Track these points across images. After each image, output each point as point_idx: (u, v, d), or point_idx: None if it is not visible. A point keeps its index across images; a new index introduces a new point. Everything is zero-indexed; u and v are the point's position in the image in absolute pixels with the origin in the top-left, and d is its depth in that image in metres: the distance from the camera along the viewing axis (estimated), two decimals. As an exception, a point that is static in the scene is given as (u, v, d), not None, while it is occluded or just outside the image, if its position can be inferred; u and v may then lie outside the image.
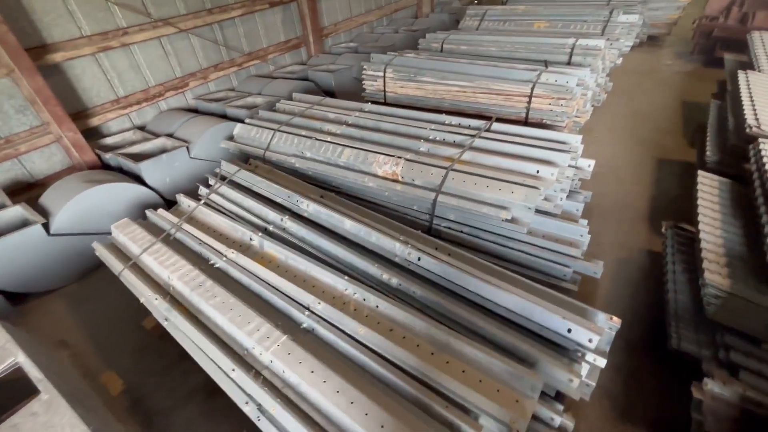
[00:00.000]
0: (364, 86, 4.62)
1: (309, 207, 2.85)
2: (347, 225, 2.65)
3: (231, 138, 4.10)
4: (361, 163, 3.23)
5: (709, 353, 1.93)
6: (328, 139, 3.50)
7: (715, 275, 1.90)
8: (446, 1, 10.07)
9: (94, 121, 4.34)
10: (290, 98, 4.58)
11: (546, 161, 2.87)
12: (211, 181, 3.43)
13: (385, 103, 4.54)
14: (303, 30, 6.58)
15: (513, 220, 2.57)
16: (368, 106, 3.98)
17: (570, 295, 2.48)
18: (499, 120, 3.86)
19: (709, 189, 2.51)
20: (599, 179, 3.93)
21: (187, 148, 4.14)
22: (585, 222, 2.73)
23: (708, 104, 4.75)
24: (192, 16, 5.02)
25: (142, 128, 4.78)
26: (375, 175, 3.12)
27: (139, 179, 3.86)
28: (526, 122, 3.66)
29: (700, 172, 2.56)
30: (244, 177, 3.28)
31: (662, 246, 2.78)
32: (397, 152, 3.14)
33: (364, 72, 4.51)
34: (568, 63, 4.35)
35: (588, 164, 3.05)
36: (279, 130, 3.81)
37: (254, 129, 3.96)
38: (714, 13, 6.49)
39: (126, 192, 3.63)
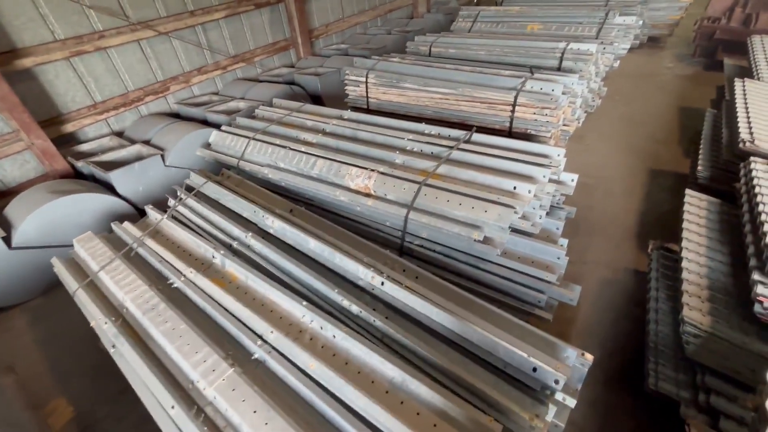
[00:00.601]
0: (346, 91, 4.47)
1: (275, 224, 2.71)
2: (311, 244, 2.51)
3: (208, 146, 3.97)
4: (333, 176, 3.08)
5: (688, 396, 1.77)
6: (302, 148, 3.36)
7: (695, 312, 1.74)
8: (443, 1, 9.87)
9: (69, 127, 4.23)
10: (272, 104, 4.45)
11: (525, 176, 2.72)
12: (180, 193, 3.31)
13: (368, 110, 4.39)
14: (291, 32, 6.44)
15: (486, 241, 2.42)
16: (347, 114, 3.84)
17: (545, 323, 2.33)
18: (482, 130, 3.71)
19: (696, 210, 2.34)
20: (588, 191, 3.76)
21: (162, 155, 4.02)
22: (564, 242, 2.58)
23: (706, 108, 4.57)
24: (173, 18, 4.89)
25: (120, 134, 4.67)
26: (347, 189, 2.98)
27: (111, 188, 3.75)
28: (510, 132, 3.50)
29: (688, 192, 2.40)
30: (212, 190, 3.15)
31: (647, 269, 2.62)
32: (371, 164, 2.99)
33: (346, 77, 4.36)
34: (559, 68, 4.17)
35: (571, 179, 2.88)
36: (254, 139, 3.67)
37: (229, 137, 3.83)
38: (716, 14, 6.27)
39: (95, 202, 3.52)
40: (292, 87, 5.38)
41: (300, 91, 5.41)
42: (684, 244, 2.20)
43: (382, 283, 2.18)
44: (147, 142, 4.30)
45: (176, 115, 5.12)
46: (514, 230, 2.51)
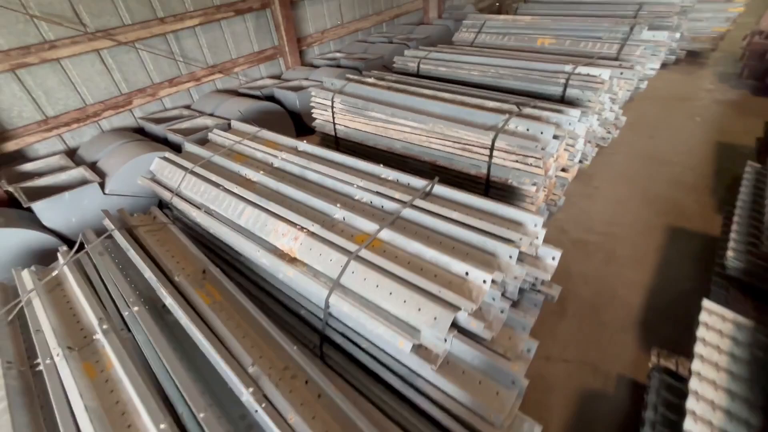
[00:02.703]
0: (313, 115, 3.92)
1: (167, 300, 2.20)
2: (197, 335, 1.98)
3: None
4: (259, 230, 2.55)
5: None
6: (236, 189, 2.84)
7: None
8: (458, 6, 9.15)
9: (11, 146, 3.91)
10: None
11: (485, 253, 2.09)
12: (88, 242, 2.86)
13: (336, 138, 3.83)
14: (279, 39, 5.95)
15: (417, 349, 1.82)
16: (302, 145, 3.29)
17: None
18: (455, 175, 3.08)
19: (716, 333, 1.64)
20: (585, 253, 3.05)
21: (102, 183, 3.61)
22: (528, 346, 1.93)
23: (751, 148, 3.72)
24: (139, 26, 4.50)
25: (74, 151, 4.32)
26: (271, 249, 2.43)
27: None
28: (487, 181, 2.84)
29: (705, 306, 1.69)
30: (119, 241, 2.67)
31: (646, 383, 1.93)
32: (304, 220, 2.43)
33: (312, 99, 3.81)
34: (562, 98, 3.46)
35: (552, 256, 2.21)
36: (191, 172, 3.19)
37: (168, 166, 3.37)
38: (771, 28, 5.28)
39: (12, 238, 3.14)
40: (269, 102, 4.89)
41: (277, 109, 4.91)
42: (692, 385, 1.51)
43: (256, 411, 1.61)
44: (94, 164, 3.92)
45: (141, 131, 4.75)
46: (463, 331, 1.89)
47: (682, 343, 2.30)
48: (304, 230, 2.37)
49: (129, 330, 2.09)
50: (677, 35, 5.47)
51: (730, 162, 3.88)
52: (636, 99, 5.18)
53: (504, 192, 2.81)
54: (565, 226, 3.34)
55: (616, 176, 3.90)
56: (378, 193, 2.59)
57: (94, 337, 2.16)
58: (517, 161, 2.63)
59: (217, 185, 2.96)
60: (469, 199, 2.42)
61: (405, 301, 1.86)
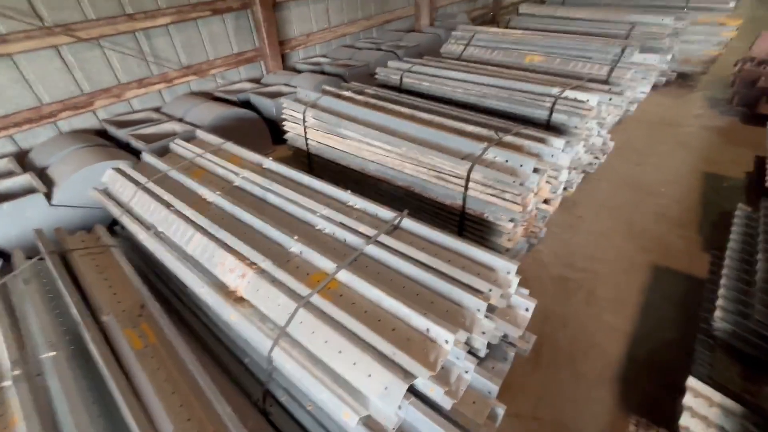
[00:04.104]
0: (284, 128, 3.68)
1: (90, 345, 1.93)
2: (114, 391, 1.71)
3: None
4: (207, 260, 2.29)
5: None
6: (188, 212, 2.58)
7: None
8: (450, 14, 8.98)
9: (-50, 147, 3.57)
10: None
11: (450, 303, 1.87)
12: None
13: (308, 154, 3.58)
14: (260, 42, 5.68)
15: (369, 418, 1.59)
16: (268, 163, 3.05)
17: None
18: (430, 204, 2.86)
19: (701, 420, 1.44)
20: (565, 292, 2.86)
21: (48, 193, 3.31)
22: (495, 411, 1.72)
23: (739, 181, 3.59)
24: (104, 22, 4.19)
25: (26, 154, 3.99)
26: (217, 285, 2.17)
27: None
28: (462, 213, 2.63)
29: (690, 383, 1.50)
30: (50, 267, 2.39)
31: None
32: (254, 254, 2.18)
33: (283, 111, 3.56)
34: (547, 123, 3.27)
35: (525, 308, 2.01)
36: (144, 188, 2.92)
37: (120, 179, 3.09)
38: (762, 55, 5.20)
39: (-63, 253, 2.82)
40: (243, 109, 4.61)
41: (251, 115, 4.64)
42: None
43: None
44: (43, 171, 3.61)
45: (104, 134, 4.44)
46: (419, 395, 1.67)
47: (663, 405, 2.12)
48: (254, 266, 2.12)
49: (30, 383, 1.81)
50: (669, 57, 5.36)
51: (717, 195, 3.75)
52: (625, 122, 5.05)
53: (480, 226, 2.60)
54: (546, 259, 3.16)
55: (601, 205, 3.73)
56: (342, 225, 2.35)
57: (2, 384, 1.88)
58: (493, 195, 2.42)
59: (168, 205, 2.69)
60: (438, 236, 2.20)
61: (355, 364, 1.63)
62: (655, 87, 5.88)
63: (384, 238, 2.21)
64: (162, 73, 4.88)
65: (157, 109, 4.85)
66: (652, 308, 2.71)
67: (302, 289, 1.96)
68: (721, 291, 1.98)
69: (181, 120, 4.51)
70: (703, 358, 1.92)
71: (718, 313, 1.89)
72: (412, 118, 3.07)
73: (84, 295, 2.19)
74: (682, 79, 6.40)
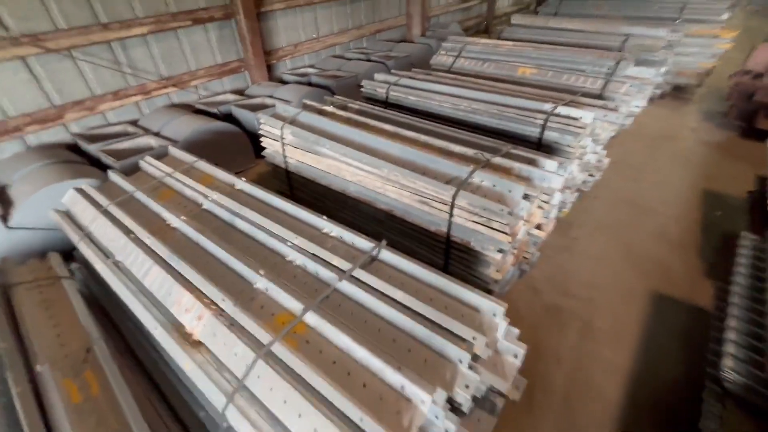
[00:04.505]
0: (262, 143, 3.47)
1: (17, 402, 1.69)
2: (37, 462, 1.48)
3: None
4: (164, 297, 2.07)
5: None
6: (147, 240, 2.36)
7: None
8: (443, 24, 8.87)
9: None
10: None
11: (432, 352, 1.66)
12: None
13: (287, 173, 3.38)
14: (245, 52, 5.50)
15: (329, 497, 1.37)
16: (240, 183, 2.84)
17: None
18: (413, 229, 2.66)
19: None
20: (559, 324, 2.66)
21: (5, 214, 3.08)
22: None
23: (741, 200, 3.44)
24: (76, 32, 3.99)
25: (-12, 170, 3.75)
26: (172, 325, 1.95)
27: None
28: (447, 240, 2.43)
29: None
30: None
31: None
32: (214, 291, 1.96)
33: (261, 127, 3.36)
34: (539, 142, 3.10)
35: (514, 353, 1.80)
36: (105, 211, 2.69)
37: (82, 201, 2.86)
38: (759, 68, 5.08)
39: None
40: (224, 123, 4.41)
41: (233, 129, 4.44)
42: None
43: None
44: (3, 190, 3.38)
45: (76, 149, 4.21)
46: (392, 465, 1.45)
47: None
48: (212, 306, 1.90)
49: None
50: (664, 70, 5.24)
51: (720, 214, 3.58)
52: (620, 135, 4.90)
53: (467, 255, 2.40)
54: (539, 285, 2.96)
55: (597, 225, 3.55)
56: (314, 256, 2.14)
57: None
58: (480, 224, 2.22)
59: (128, 232, 2.47)
60: (419, 271, 2.00)
61: (315, 430, 1.41)
62: (650, 99, 5.76)
63: (359, 273, 2.00)
64: (140, 84, 4.67)
65: (134, 122, 4.63)
66: (654, 342, 2.51)
67: (263, 335, 1.74)
68: (730, 335, 1.78)
69: (157, 134, 4.30)
70: (713, 411, 1.72)
71: (728, 363, 1.69)
72: (395, 136, 2.88)
73: (22, 338, 1.96)
74: (677, 92, 6.29)
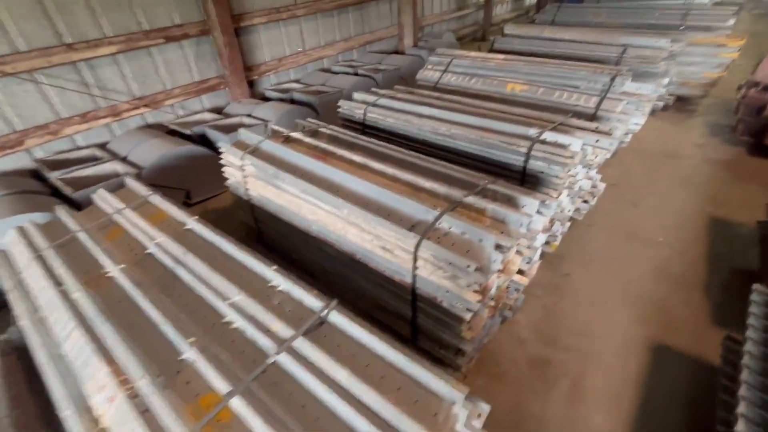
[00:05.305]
0: (224, 173, 3.22)
1: None
2: None
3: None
4: (81, 368, 1.81)
5: None
6: (74, 295, 2.11)
7: None
8: (436, 33, 8.63)
9: None
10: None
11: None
12: None
13: (251, 206, 3.11)
14: (224, 69, 5.29)
15: None
16: (191, 223, 2.57)
17: None
18: (377, 275, 2.37)
19: None
20: (545, 382, 2.35)
21: (-56, 254, 2.84)
22: None
23: (751, 228, 3.13)
24: (37, 53, 3.79)
25: (-58, 202, 3.53)
26: (83, 409, 1.68)
27: None
28: (413, 292, 2.14)
29: None
30: None
31: None
32: (133, 364, 1.69)
33: (223, 156, 3.10)
34: (523, 171, 2.80)
35: (479, 449, 1.50)
36: (39, 257, 2.45)
37: (20, 243, 2.62)
38: (767, 80, 4.74)
39: None
40: (194, 146, 4.17)
41: (204, 152, 4.20)
42: None
43: None
44: (-51, 225, 3.15)
45: (37, 176, 3.99)
46: None
47: None
48: (127, 386, 1.63)
49: None
50: (665, 83, 4.92)
51: (726, 246, 3.25)
52: (619, 153, 4.58)
53: (435, 310, 2.11)
54: (523, 333, 2.65)
55: (591, 259, 3.23)
56: (253, 319, 1.87)
57: None
58: (446, 279, 1.93)
59: (58, 283, 2.22)
60: (372, 341, 1.71)
61: None
62: (652, 111, 5.44)
63: (301, 343, 1.72)
64: (110, 105, 4.47)
65: (103, 146, 4.42)
66: (654, 406, 2.19)
67: (179, 426, 1.46)
68: (741, 408, 1.47)
69: (124, 159, 4.07)
70: None
71: (740, 428, 1.38)
72: (363, 168, 2.61)
73: None
74: (681, 103, 5.95)
